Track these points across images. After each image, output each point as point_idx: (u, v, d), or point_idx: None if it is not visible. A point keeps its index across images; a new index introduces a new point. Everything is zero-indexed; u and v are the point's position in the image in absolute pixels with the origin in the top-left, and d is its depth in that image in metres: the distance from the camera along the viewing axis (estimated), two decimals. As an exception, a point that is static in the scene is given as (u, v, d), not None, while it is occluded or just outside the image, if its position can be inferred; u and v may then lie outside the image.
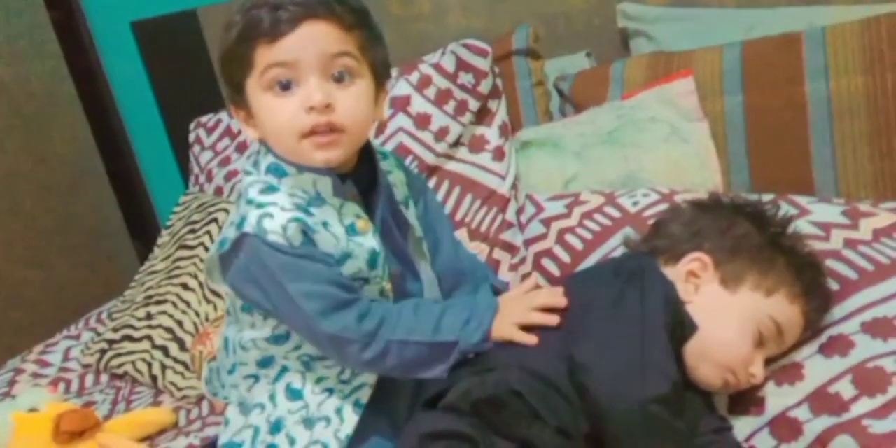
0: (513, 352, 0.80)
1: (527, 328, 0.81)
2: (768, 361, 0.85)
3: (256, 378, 0.88)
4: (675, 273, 0.84)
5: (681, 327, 0.79)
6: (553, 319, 0.81)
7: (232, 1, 0.81)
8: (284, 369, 0.87)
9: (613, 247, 1.07)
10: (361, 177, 0.85)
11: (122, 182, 2.25)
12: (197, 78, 1.90)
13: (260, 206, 0.79)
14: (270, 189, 0.81)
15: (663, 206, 1.08)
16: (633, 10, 1.44)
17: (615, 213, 1.11)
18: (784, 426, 0.81)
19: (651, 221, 1.06)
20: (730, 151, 1.18)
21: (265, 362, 0.87)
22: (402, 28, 1.65)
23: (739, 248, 0.84)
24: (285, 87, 0.77)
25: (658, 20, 1.40)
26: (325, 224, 0.81)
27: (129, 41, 2.00)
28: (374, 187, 0.86)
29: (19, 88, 1.98)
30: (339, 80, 0.78)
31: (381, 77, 0.83)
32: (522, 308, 0.82)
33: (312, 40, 0.76)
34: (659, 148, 1.18)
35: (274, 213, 0.78)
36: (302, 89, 0.77)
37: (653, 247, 0.89)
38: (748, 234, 0.85)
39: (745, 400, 0.86)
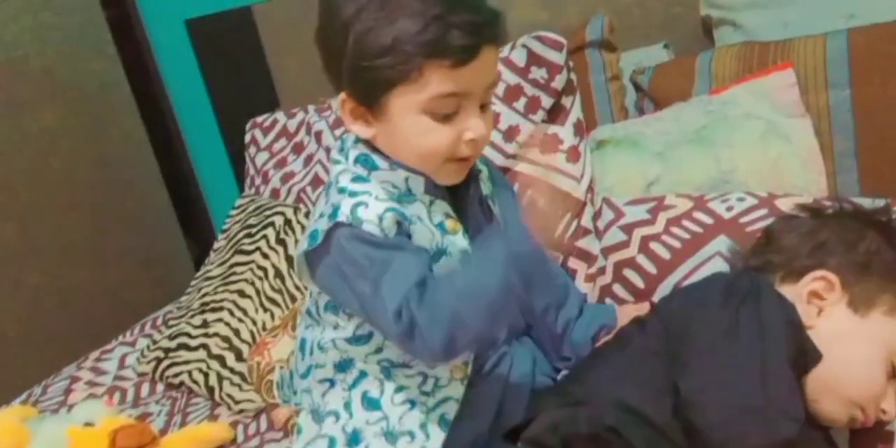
0: (605, 383, 0.71)
1: None
2: (901, 393, 0.74)
3: (332, 383, 0.83)
4: (794, 293, 0.74)
5: (802, 356, 0.69)
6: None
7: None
8: (362, 375, 0.82)
9: (706, 257, 0.97)
10: None
11: (177, 182, 2.24)
12: (252, 77, 1.87)
13: (353, 194, 0.75)
14: (360, 179, 0.78)
15: (762, 212, 0.98)
16: (718, -4, 1.33)
17: (706, 220, 1.01)
18: (923, 469, 0.71)
19: (749, 229, 0.96)
20: (836, 151, 1.07)
21: (343, 365, 0.82)
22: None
23: (871, 265, 0.74)
24: (447, 115, 0.73)
25: (747, 7, 1.28)
26: (419, 218, 0.77)
27: (184, 39, 1.97)
28: (463, 186, 0.82)
29: (75, 88, 1.97)
30: (483, 106, 0.75)
31: None
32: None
33: (488, 69, 0.73)
34: (754, 147, 1.07)
35: (368, 202, 0.74)
36: (462, 118, 0.73)
37: (765, 262, 0.79)
38: (880, 250, 0.74)
39: (871, 435, 0.76)
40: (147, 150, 2.16)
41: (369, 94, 0.73)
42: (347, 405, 0.82)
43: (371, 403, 0.81)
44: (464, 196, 0.83)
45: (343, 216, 0.74)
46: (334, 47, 0.73)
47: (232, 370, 1.27)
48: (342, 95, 0.76)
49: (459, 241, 0.79)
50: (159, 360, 1.36)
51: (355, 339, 0.81)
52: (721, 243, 0.96)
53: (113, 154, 2.06)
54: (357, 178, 0.78)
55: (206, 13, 1.89)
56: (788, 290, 0.74)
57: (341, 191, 0.77)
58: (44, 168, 1.90)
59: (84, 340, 1.69)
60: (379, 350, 0.80)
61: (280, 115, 1.59)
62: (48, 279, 1.89)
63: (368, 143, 0.78)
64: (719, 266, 0.94)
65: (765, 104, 1.09)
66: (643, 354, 0.72)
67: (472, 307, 0.70)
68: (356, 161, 0.78)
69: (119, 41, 2.06)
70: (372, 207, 0.74)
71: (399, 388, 0.81)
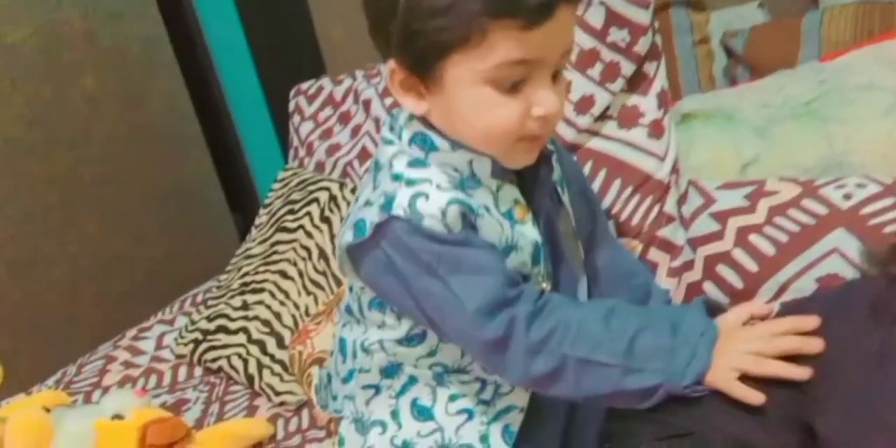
0: (717, 414, 0.58)
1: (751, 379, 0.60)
2: None
3: (377, 389, 0.75)
4: None
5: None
6: (802, 373, 0.58)
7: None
8: (412, 380, 0.74)
9: (821, 254, 0.83)
10: None
11: (221, 150, 2.17)
12: (298, 41, 1.76)
13: (411, 183, 0.66)
14: (418, 163, 0.68)
15: (888, 202, 0.83)
16: (826, -54, 1.15)
17: (819, 210, 0.86)
18: None
19: (873, 222, 0.82)
20: (978, 130, 0.91)
21: (390, 370, 0.74)
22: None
23: None
24: (514, 85, 0.63)
25: (862, -41, 1.11)
26: (486, 208, 0.67)
27: (228, 2, 1.87)
28: (532, 169, 0.72)
29: (116, 51, 1.89)
30: (555, 76, 0.65)
31: None
32: (754, 347, 0.61)
33: (563, 32, 0.62)
34: (877, 124, 0.92)
35: (429, 193, 0.65)
36: (531, 89, 0.63)
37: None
38: None
39: None
40: (191, 116, 2.09)
41: (423, 62, 0.63)
42: (395, 414, 0.74)
43: (422, 412, 0.73)
44: (532, 181, 0.72)
45: (399, 209, 0.64)
46: (383, 7, 0.63)
47: (273, 358, 1.19)
48: (391, 64, 0.65)
49: (529, 231, 0.70)
50: (197, 343, 1.28)
51: (407, 340, 0.72)
52: (839, 238, 0.82)
53: (155, 120, 1.99)
54: (415, 162, 0.67)
55: (251, -27, 1.78)
56: (948, 306, 0.60)
57: (396, 177, 0.66)
58: (84, 135, 1.84)
59: (124, 311, 1.67)
60: (432, 353, 0.72)
61: (326, 82, 1.47)
62: (89, 249, 1.85)
63: (425, 120, 0.68)
64: (838, 266, 0.80)
65: (890, 73, 0.93)
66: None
67: (591, 376, 0.63)
68: (411, 141, 0.68)
69: (162, 3, 1.97)
70: (434, 199, 0.64)
71: (454, 396, 0.73)
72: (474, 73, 0.61)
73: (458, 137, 0.66)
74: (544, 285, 0.72)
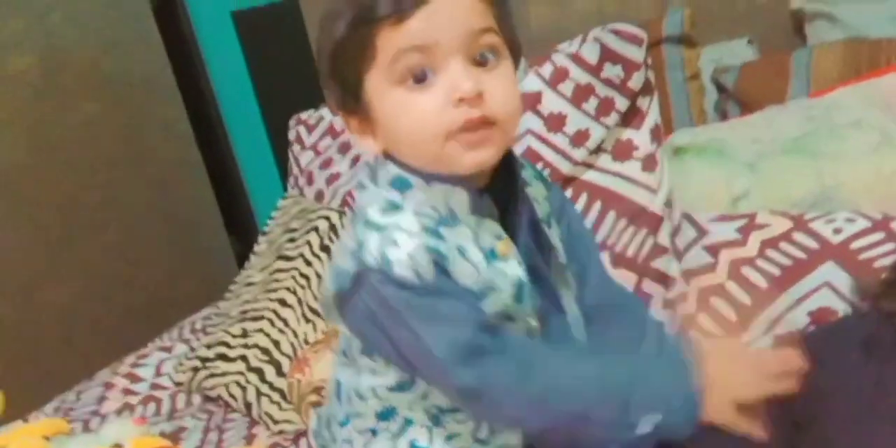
0: (703, 444, 0.59)
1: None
2: None
3: (374, 432, 0.75)
4: None
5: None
6: (789, 385, 0.58)
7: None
8: (408, 422, 0.73)
9: (812, 287, 0.85)
10: (499, 191, 0.69)
11: (221, 176, 2.18)
12: (298, 70, 1.79)
13: (381, 229, 0.65)
14: (392, 207, 0.67)
15: (877, 237, 0.85)
16: (814, -13, 1.20)
17: (810, 243, 0.88)
18: None
19: (863, 256, 0.84)
20: (963, 166, 0.93)
21: (385, 414, 0.74)
22: (517, 13, 1.45)
23: None
24: (420, 78, 0.62)
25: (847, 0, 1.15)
26: (460, 250, 0.66)
27: (230, 32, 1.90)
28: (512, 204, 0.71)
29: (119, 78, 1.91)
30: (482, 62, 0.62)
31: (516, 60, 0.68)
32: (746, 374, 0.60)
33: (449, 15, 0.61)
34: (865, 160, 0.94)
35: (399, 240, 0.64)
36: (443, 78, 0.62)
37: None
38: None
39: None
40: (191, 143, 2.10)
41: (350, 94, 0.65)
42: None
43: None
44: (514, 216, 0.70)
45: (370, 257, 0.64)
46: (319, 63, 0.66)
47: (271, 386, 1.19)
48: (341, 114, 0.68)
49: (511, 268, 0.68)
50: (196, 370, 1.28)
51: (398, 387, 0.71)
52: (830, 272, 0.83)
53: (155, 147, 2.01)
54: (388, 208, 0.67)
55: (253, 5, 1.82)
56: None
57: (368, 224, 0.66)
58: (85, 161, 1.85)
59: (122, 336, 1.65)
60: (425, 396, 0.71)
61: (325, 112, 1.50)
62: (88, 273, 1.85)
63: (397, 161, 0.68)
64: (830, 300, 0.82)
65: (878, 110, 0.96)
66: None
67: (583, 431, 0.63)
68: (391, 184, 0.68)
69: (164, 32, 2.00)
70: (403, 246, 0.63)
71: (450, 436, 0.72)
72: (382, 80, 0.62)
73: (405, 158, 0.66)
74: (531, 322, 0.71)
